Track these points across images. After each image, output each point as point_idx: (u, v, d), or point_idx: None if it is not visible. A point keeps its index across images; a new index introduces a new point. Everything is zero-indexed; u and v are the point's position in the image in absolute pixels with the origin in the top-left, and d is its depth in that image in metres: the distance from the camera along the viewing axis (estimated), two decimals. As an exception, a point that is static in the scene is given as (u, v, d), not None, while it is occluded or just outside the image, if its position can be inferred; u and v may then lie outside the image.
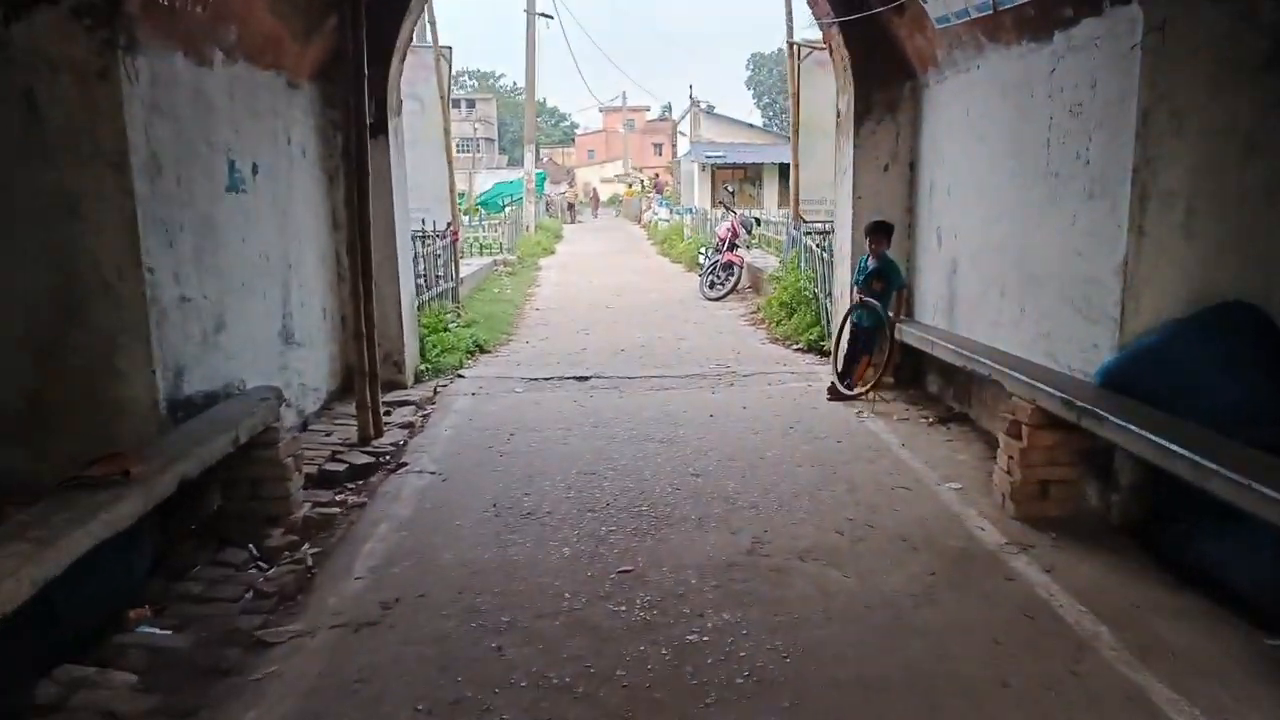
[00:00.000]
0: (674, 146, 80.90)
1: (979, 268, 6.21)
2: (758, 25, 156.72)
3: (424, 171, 11.85)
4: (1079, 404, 4.11)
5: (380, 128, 7.44)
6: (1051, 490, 4.58)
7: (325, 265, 7.08)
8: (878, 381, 7.13)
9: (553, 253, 24.40)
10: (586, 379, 8.08)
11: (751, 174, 28.18)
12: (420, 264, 10.52)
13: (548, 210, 44.17)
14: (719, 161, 27.50)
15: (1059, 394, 4.28)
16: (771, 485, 5.31)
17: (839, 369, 7.50)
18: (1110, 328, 4.49)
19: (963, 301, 6.55)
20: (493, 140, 77.29)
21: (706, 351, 9.45)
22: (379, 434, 6.33)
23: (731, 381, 7.96)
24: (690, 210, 23.21)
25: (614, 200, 63.55)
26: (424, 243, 10.99)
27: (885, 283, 7.13)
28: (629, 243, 29.35)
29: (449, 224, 11.92)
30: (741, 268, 13.61)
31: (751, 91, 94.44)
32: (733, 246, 13.89)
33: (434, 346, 8.85)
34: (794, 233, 11.87)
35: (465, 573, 4.20)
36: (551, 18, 27.64)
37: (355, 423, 6.31)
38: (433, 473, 5.66)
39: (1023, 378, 4.66)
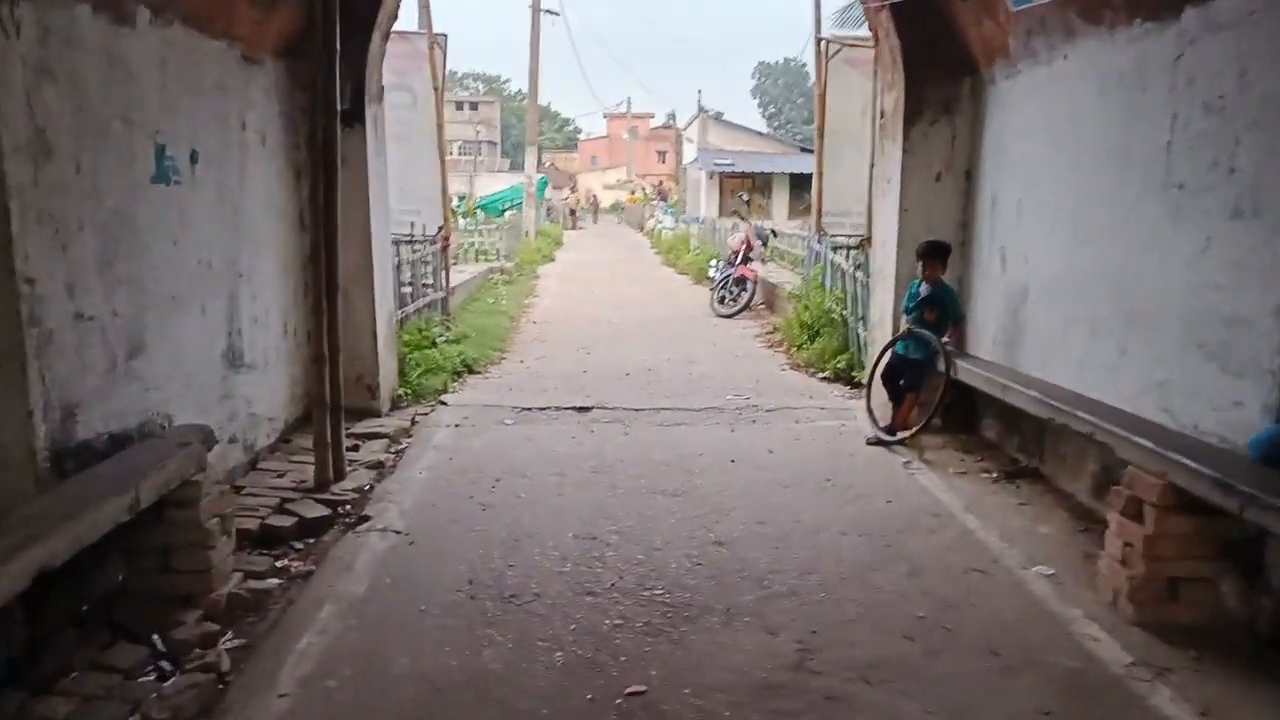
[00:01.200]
0: (678, 154, 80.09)
1: (1058, 298, 5.22)
2: (765, 33, 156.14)
3: (415, 170, 10.84)
4: (1242, 488, 3.11)
5: (356, 115, 6.45)
6: (1183, 590, 3.58)
7: (289, 274, 6.08)
8: (925, 424, 6.14)
9: (553, 260, 23.44)
10: (587, 410, 7.07)
11: (760, 183, 27.23)
12: (406, 272, 9.53)
13: (549, 216, 43.28)
14: (728, 170, 26.54)
15: (1208, 471, 3.28)
16: (812, 563, 4.30)
17: (871, 407, 6.51)
18: (1265, 383, 3.50)
19: (1033, 337, 5.56)
20: (495, 144, 76.45)
21: (721, 378, 8.45)
22: (340, 476, 5.32)
23: (753, 418, 6.96)
24: (698, 219, 22.27)
25: (616, 207, 62.71)
26: (411, 248, 10.01)
27: (940, 312, 6.15)
28: (632, 251, 28.38)
29: (440, 228, 10.92)
30: (756, 283, 12.62)
31: (757, 101, 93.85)
32: (747, 259, 12.90)
33: (416, 366, 7.85)
34: (816, 247, 10.87)
35: (423, 691, 3.18)
36: (557, 14, 26.60)
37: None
38: (398, 531, 4.64)
39: (1148, 444, 3.66)
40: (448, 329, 10.25)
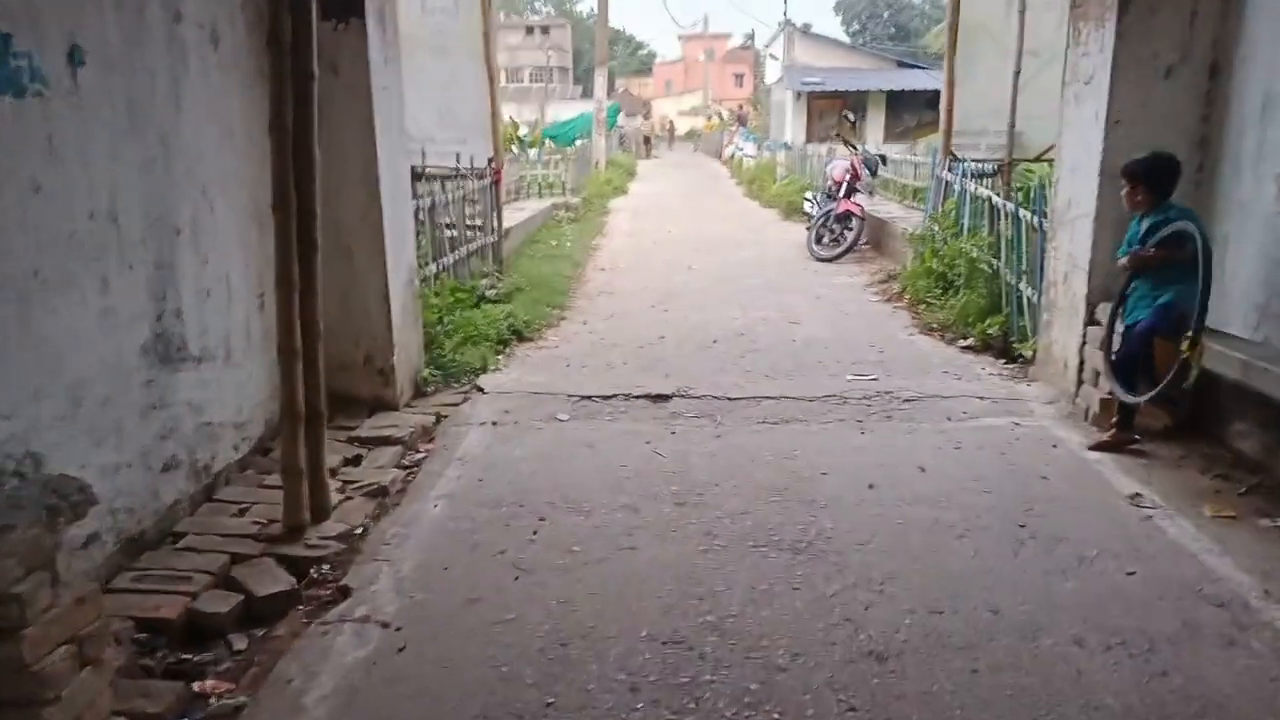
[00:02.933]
0: (756, 77, 76.25)
1: None
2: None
3: (458, 91, 9.17)
4: None
5: (354, 3, 4.76)
6: None
7: (266, 227, 4.49)
8: (1159, 400, 4.29)
9: (625, 192, 21.60)
10: (665, 399, 5.38)
11: (852, 103, 24.64)
12: (445, 215, 7.91)
13: (622, 144, 41.23)
14: (816, 89, 24.05)
15: None
16: (1050, 708, 2.60)
17: (1119, 385, 4.53)
18: None
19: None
20: (567, 70, 73.96)
21: (834, 346, 6.66)
22: (321, 515, 3.79)
23: (887, 410, 5.18)
24: (785, 145, 20.07)
25: (692, 134, 60.07)
26: (456, 184, 8.38)
27: (1174, 249, 4.23)
28: (710, 182, 26.28)
29: (490, 160, 9.25)
30: (863, 220, 10.64)
31: (840, 17, 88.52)
32: (851, 192, 10.90)
33: (451, 334, 6.28)
34: (946, 176, 8.84)
35: None
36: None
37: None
38: (385, 624, 3.09)
39: None
40: (498, 281, 8.66)
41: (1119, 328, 4.48)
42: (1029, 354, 5.91)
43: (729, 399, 5.36)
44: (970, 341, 6.56)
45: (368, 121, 4.85)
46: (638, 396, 5.40)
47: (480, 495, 4.13)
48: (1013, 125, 8.84)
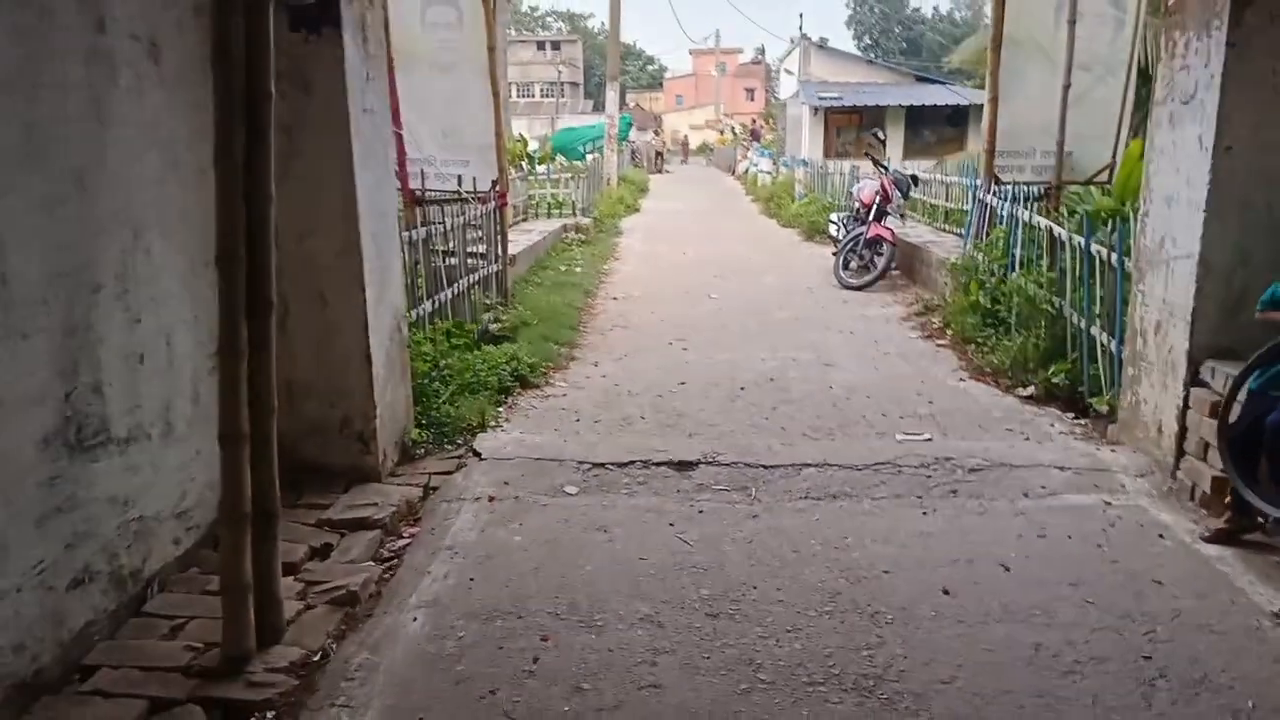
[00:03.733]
0: (768, 92, 75.75)
1: None
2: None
3: (461, 109, 8.49)
4: None
5: (327, 12, 4.07)
6: None
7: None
8: None
9: (637, 210, 20.96)
10: (691, 466, 4.63)
11: (870, 119, 23.94)
12: (444, 242, 7.22)
13: (633, 159, 40.70)
14: (834, 104, 23.36)
15: None
16: None
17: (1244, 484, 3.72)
18: None
19: None
20: (578, 85, 73.67)
21: (878, 396, 5.92)
22: (273, 637, 3.07)
23: (951, 483, 4.42)
24: (803, 162, 19.36)
25: (704, 148, 59.64)
26: (457, 210, 7.71)
27: None
28: (725, 199, 25.63)
29: (494, 183, 8.56)
30: (895, 245, 9.90)
31: (852, 32, 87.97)
32: (882, 215, 10.16)
33: (447, 383, 5.57)
34: (991, 199, 8.10)
35: None
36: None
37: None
38: (337, 815, 2.36)
39: None
40: (502, 314, 7.96)
41: (1241, 395, 3.71)
42: (1106, 410, 5.15)
43: (764, 466, 4.61)
44: (1031, 391, 5.81)
45: (345, 148, 4.15)
46: (658, 463, 4.65)
47: (470, 602, 3.39)
48: (1061, 145, 8.10)
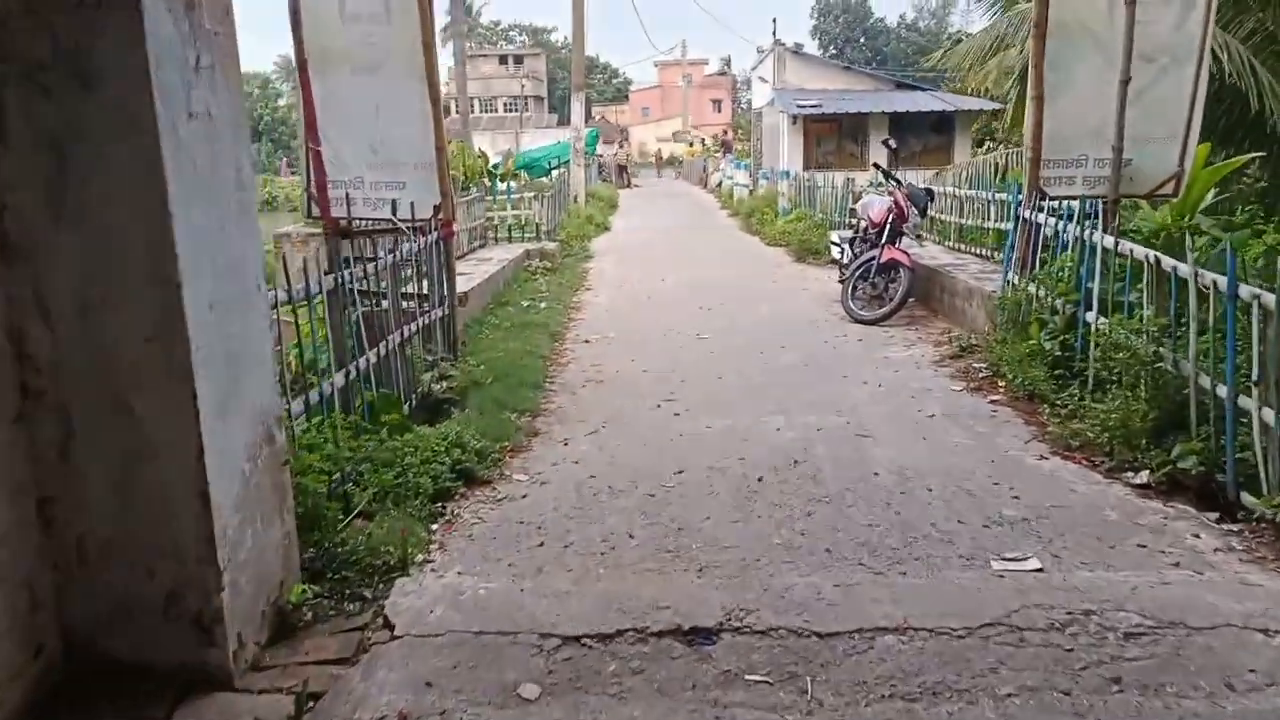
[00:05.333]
0: (735, 103, 74.77)
1: None
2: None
3: (392, 118, 6.94)
4: None
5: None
6: None
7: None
8: None
9: (608, 228, 19.50)
10: (708, 638, 3.09)
11: (851, 127, 22.70)
12: (378, 283, 5.69)
13: (601, 173, 39.32)
14: (814, 112, 22.07)
15: None
16: None
17: None
18: None
19: None
20: (542, 99, 72.29)
21: (942, 484, 4.44)
22: None
23: (1109, 668, 2.91)
24: (786, 174, 18.00)
25: (673, 161, 58.50)
26: (393, 244, 6.22)
27: None
28: (700, 213, 24.26)
29: (436, 209, 7.02)
30: (913, 271, 8.47)
31: (817, 42, 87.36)
32: (895, 235, 8.73)
33: (361, 489, 4.01)
34: (1043, 219, 6.70)
35: None
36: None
37: None
38: None
39: None
40: (449, 370, 6.43)
41: None
42: (1271, 513, 3.71)
43: (817, 635, 3.09)
44: (1145, 478, 4.35)
45: (152, 172, 2.59)
46: (660, 633, 3.12)
47: None
48: (1119, 151, 6.72)
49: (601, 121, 66.89)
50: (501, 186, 17.00)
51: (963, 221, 10.26)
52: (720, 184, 29.47)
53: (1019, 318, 6.34)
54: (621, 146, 54.80)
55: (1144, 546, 3.75)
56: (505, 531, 4.06)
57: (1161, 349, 4.64)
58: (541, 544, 3.92)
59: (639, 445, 5.25)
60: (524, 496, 4.49)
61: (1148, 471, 4.37)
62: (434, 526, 4.07)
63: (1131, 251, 5.10)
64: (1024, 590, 3.33)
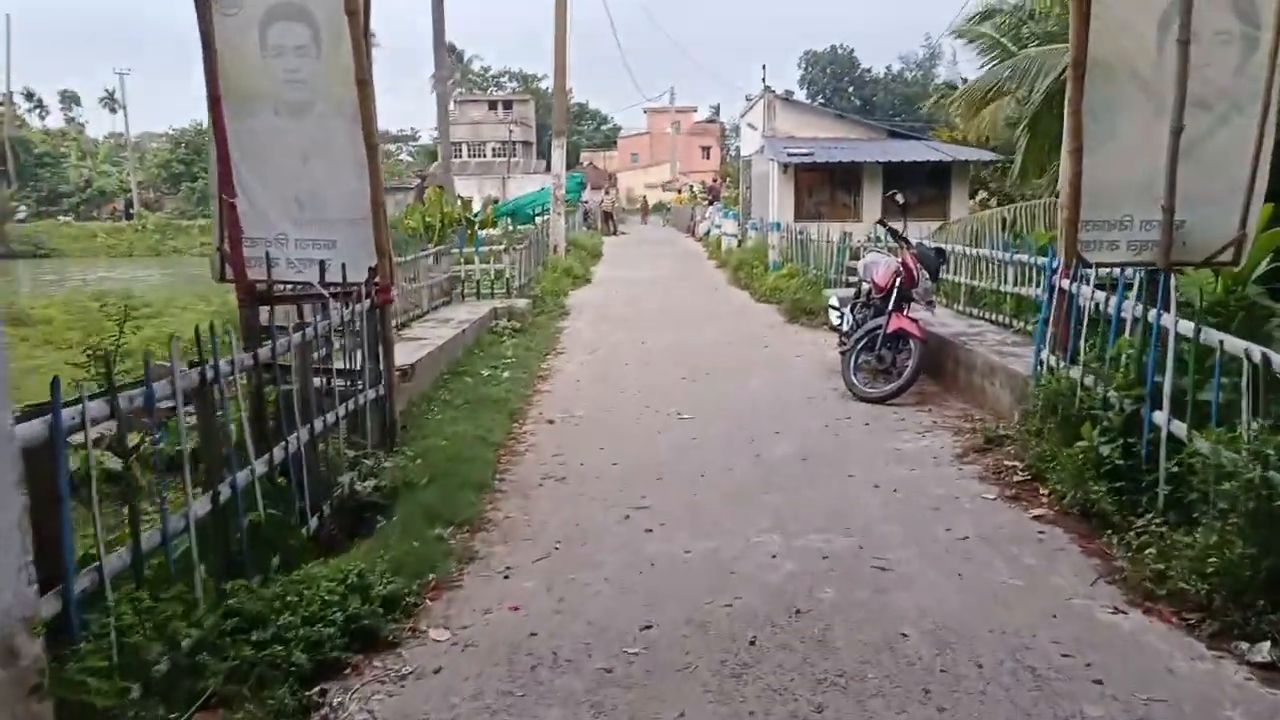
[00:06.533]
0: (723, 150, 74.65)
1: None
2: (807, 25, 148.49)
3: (322, 164, 5.93)
4: None
5: None
6: None
7: None
8: None
9: (588, 280, 18.51)
10: None
11: (843, 177, 21.90)
12: (303, 360, 4.60)
13: (586, 220, 38.57)
14: (804, 161, 21.27)
15: None
16: None
17: None
18: None
19: None
20: (530, 144, 71.94)
21: (992, 654, 3.33)
22: None
23: None
24: (777, 225, 17.07)
25: (660, 207, 58.04)
26: (319, 313, 5.19)
27: None
28: (687, 264, 23.35)
29: (372, 271, 5.96)
30: (924, 343, 7.43)
31: (805, 91, 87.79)
32: (904, 301, 7.71)
33: (204, 671, 2.88)
34: (1084, 290, 5.68)
35: None
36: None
37: None
38: None
39: None
40: (380, 465, 5.33)
41: None
42: None
43: None
44: (1266, 653, 3.27)
45: None
46: None
47: None
48: (1170, 211, 5.75)
49: (590, 167, 66.61)
50: (484, 234, 16.01)
51: (975, 283, 9.27)
52: (708, 233, 28.64)
53: (1059, 409, 5.28)
54: (608, 193, 54.23)
55: (1297, 781, 2.65)
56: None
57: (1262, 466, 3.56)
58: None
59: (599, 580, 4.13)
60: (437, 672, 3.35)
61: (1269, 644, 3.29)
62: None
63: (1222, 344, 4.05)
64: None
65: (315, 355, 5.59)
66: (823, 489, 5.35)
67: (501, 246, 12.74)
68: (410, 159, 78.80)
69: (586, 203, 41.22)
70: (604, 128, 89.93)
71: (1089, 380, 5.14)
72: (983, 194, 23.10)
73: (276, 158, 5.88)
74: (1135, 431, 4.63)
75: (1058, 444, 5.15)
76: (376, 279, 6.02)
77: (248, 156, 5.84)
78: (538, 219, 24.48)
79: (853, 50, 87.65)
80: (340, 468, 5.18)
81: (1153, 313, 4.69)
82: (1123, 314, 5.10)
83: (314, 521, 4.62)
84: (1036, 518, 4.79)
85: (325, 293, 5.66)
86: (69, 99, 75.28)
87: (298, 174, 5.93)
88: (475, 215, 23.05)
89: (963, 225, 13.47)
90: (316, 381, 5.39)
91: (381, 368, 6.08)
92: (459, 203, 23.24)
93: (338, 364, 5.81)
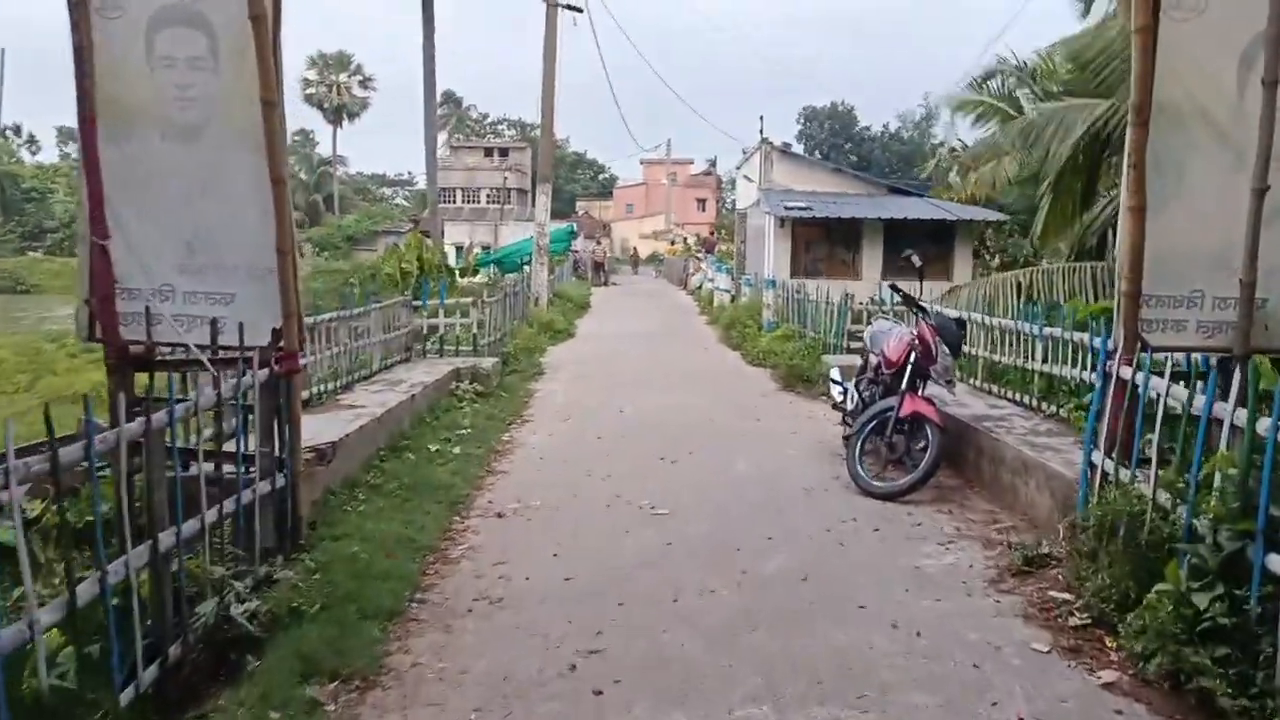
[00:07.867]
0: (719, 202, 74.35)
1: None
2: (802, 80, 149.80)
3: (219, 205, 4.85)
4: None
5: None
6: None
7: None
8: None
9: (571, 335, 17.45)
10: None
11: (842, 234, 21.01)
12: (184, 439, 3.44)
13: (576, 270, 37.75)
14: (801, 215, 20.39)
15: None
16: None
17: None
18: None
19: None
20: (525, 191, 71.54)
21: None
22: None
23: None
24: (772, 283, 16.07)
25: (654, 259, 57.40)
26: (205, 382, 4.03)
27: None
28: (676, 319, 22.33)
29: (275, 332, 4.85)
30: (943, 431, 6.31)
31: (802, 146, 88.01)
32: (919, 380, 6.62)
33: None
34: (1141, 378, 4.59)
35: None
36: (580, 10, 20.79)
37: None
38: None
39: None
40: (275, 574, 4.17)
41: None
42: None
43: None
44: None
45: None
46: None
47: None
48: (1251, 287, 4.71)
49: (585, 216, 66.15)
50: (464, 282, 14.97)
51: (995, 358, 8.20)
52: (700, 286, 27.72)
53: (1122, 531, 4.16)
54: (600, 243, 53.52)
55: None
56: None
57: None
58: None
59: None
60: None
61: None
62: None
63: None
64: None
65: (198, 437, 4.51)
66: (827, 630, 4.18)
67: (469, 300, 11.62)
68: (405, 203, 78.40)
69: (577, 252, 40.46)
70: (600, 177, 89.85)
71: (1163, 498, 4.02)
72: (984, 253, 22.25)
73: (162, 190, 4.81)
74: (1241, 577, 3.50)
75: (1124, 578, 4.02)
76: (281, 343, 4.92)
77: (126, 189, 4.77)
78: (525, 268, 23.59)
79: (853, 108, 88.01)
80: (206, 589, 4.02)
81: (1264, 422, 3.57)
82: (1216, 415, 3.99)
83: (149, 674, 3.44)
84: (1108, 686, 3.63)
85: (206, 361, 4.55)
86: (65, 134, 74.99)
87: (188, 212, 4.85)
88: (458, 263, 22.10)
89: (974, 289, 12.48)
90: (209, 468, 4.31)
91: (284, 453, 4.94)
92: (446, 249, 22.32)
93: (229, 447, 4.69)
